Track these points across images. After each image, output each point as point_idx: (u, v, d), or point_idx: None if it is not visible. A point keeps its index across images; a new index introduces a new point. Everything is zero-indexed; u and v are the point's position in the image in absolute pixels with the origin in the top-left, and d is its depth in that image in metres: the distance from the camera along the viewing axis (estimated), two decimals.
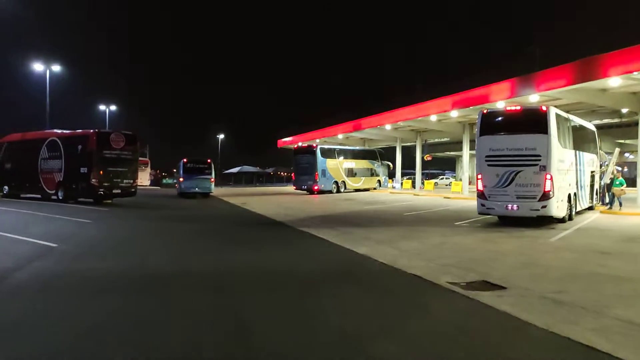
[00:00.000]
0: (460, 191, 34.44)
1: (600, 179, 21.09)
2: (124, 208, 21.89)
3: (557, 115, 14.67)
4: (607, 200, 20.94)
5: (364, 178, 40.78)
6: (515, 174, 14.46)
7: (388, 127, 37.77)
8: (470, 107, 26.49)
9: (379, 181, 42.92)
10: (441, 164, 77.54)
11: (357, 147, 45.51)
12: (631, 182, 27.91)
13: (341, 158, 38.68)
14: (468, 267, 8.53)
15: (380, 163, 43.41)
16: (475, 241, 11.77)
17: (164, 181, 67.61)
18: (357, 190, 39.85)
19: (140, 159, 53.23)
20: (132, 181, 23.16)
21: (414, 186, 43.81)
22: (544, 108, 14.37)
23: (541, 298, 6.50)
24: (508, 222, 15.52)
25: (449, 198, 29.99)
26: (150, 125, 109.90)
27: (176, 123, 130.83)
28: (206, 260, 9.36)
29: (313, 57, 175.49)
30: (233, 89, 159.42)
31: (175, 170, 49.42)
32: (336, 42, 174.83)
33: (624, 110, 27.26)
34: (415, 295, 7.04)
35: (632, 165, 47.88)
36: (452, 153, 61.99)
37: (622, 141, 38.20)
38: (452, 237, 12.58)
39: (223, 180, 72.17)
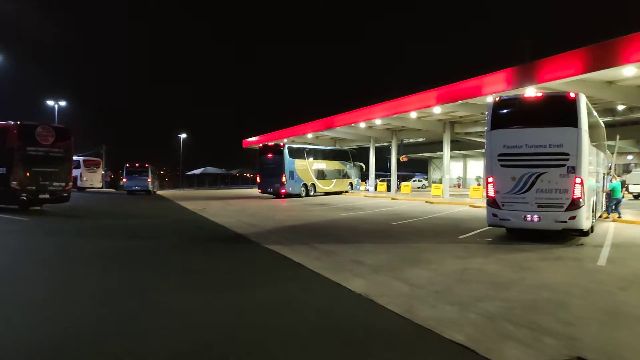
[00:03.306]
0: (441, 195, 31.75)
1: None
2: (51, 217, 18.11)
3: (587, 105, 11.92)
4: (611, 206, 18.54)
5: (335, 180, 37.76)
6: (537, 177, 11.60)
7: (362, 125, 34.81)
8: (458, 102, 23.78)
9: (351, 184, 40.01)
10: (411, 166, 75.22)
11: (328, 147, 42.42)
12: None
13: (311, 159, 35.54)
14: (530, 322, 5.47)
15: (352, 164, 40.50)
16: (505, 267, 8.75)
17: (121, 183, 63.11)
18: (327, 193, 36.79)
19: (91, 159, 49.50)
20: (64, 184, 19.30)
21: (389, 189, 41.00)
22: (572, 95, 11.54)
23: None
24: (520, 235, 12.71)
25: (432, 203, 27.16)
26: (110, 126, 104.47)
27: (138, 123, 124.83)
28: (107, 323, 5.54)
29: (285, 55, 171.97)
30: (196, 89, 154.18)
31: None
32: (307, 41, 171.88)
33: (620, 107, 25.09)
34: None
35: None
36: (425, 154, 59.69)
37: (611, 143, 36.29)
38: (469, 260, 9.54)
39: (185, 182, 68.13)
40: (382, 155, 57.48)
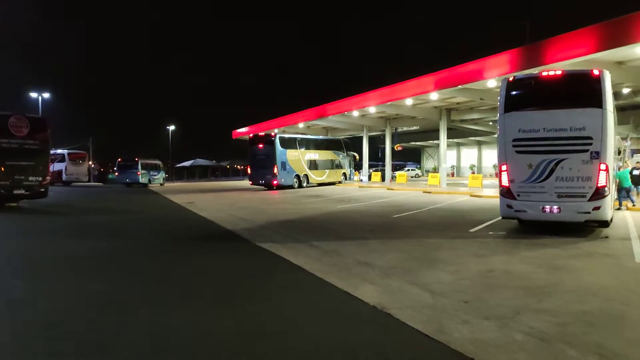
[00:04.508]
0: (438, 184, 30.71)
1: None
2: (25, 214, 16.82)
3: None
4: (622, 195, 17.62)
5: (328, 171, 36.61)
6: (556, 164, 10.53)
7: (356, 113, 33.65)
8: (458, 87, 22.65)
9: (344, 174, 38.88)
10: (404, 155, 74.14)
11: (321, 137, 41.19)
12: None
13: (303, 149, 34.32)
14: (596, 345, 4.38)
15: (345, 154, 39.35)
16: (535, 267, 7.66)
17: (110, 176, 61.46)
18: (320, 184, 35.66)
19: (76, 152, 47.84)
20: (40, 179, 17.94)
21: (383, 179, 39.92)
22: (596, 72, 10.44)
23: None
24: (535, 227, 11.67)
25: (430, 193, 26.11)
26: (99, 118, 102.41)
27: (127, 115, 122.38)
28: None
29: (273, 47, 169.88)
30: (187, 77, 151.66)
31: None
32: (295, 32, 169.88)
33: (625, 91, 24.10)
34: None
35: None
36: (419, 143, 58.69)
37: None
38: (491, 259, 8.45)
39: (176, 174, 66.63)
40: (375, 145, 56.44)
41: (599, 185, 10.24)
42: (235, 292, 6.60)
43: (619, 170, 17.07)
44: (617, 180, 16.74)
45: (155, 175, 43.42)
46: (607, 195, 10.34)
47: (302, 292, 6.63)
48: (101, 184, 50.87)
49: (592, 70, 10.54)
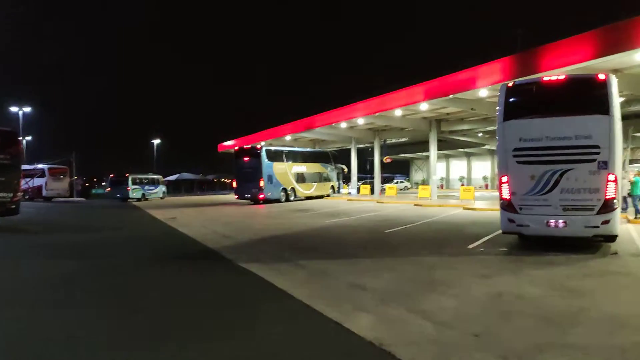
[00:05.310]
0: (428, 196, 30.01)
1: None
2: None
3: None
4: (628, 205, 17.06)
5: (316, 184, 35.77)
6: (561, 175, 9.81)
7: (344, 125, 32.91)
8: (449, 96, 22.03)
9: (332, 187, 38.07)
10: (392, 167, 73.49)
11: (308, 149, 40.41)
12: None
13: (290, 161, 33.47)
14: None
15: (334, 166, 38.60)
16: (547, 290, 6.85)
17: (94, 191, 59.94)
18: (308, 198, 34.79)
19: (57, 167, 46.46)
20: (11, 195, 16.84)
21: (372, 192, 39.16)
22: (601, 76, 9.78)
23: None
24: (537, 242, 10.91)
25: (421, 205, 25.36)
26: (79, 131, 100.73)
27: (112, 129, 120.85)
28: None
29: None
30: (173, 92, 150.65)
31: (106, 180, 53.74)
32: (284, 40, 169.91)
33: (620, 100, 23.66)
34: None
35: None
36: (407, 155, 58.11)
37: None
38: (496, 280, 7.64)
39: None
40: (363, 157, 55.74)
41: (607, 197, 9.52)
42: (210, 326, 5.70)
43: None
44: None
45: (151, 190, 42.50)
46: (616, 208, 9.62)
47: (285, 324, 5.74)
48: (84, 199, 49.48)
49: (597, 75, 9.88)
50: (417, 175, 65.00)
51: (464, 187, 32.38)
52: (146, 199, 41.07)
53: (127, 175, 40.50)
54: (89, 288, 7.81)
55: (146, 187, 41.90)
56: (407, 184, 58.58)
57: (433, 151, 30.66)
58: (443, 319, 5.54)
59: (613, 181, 9.50)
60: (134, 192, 40.19)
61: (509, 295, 6.57)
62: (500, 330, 5.18)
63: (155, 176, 45.11)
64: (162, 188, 44.58)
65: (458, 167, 58.93)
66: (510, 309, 5.93)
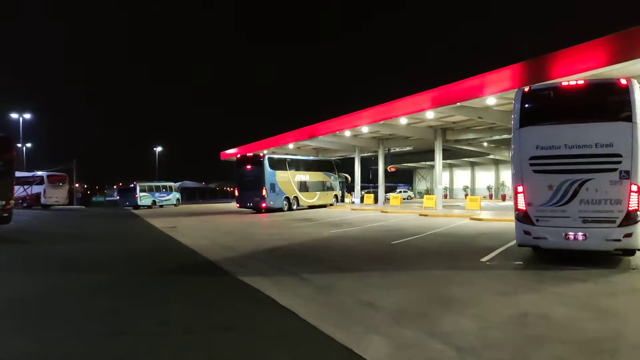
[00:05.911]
0: (433, 206, 29.43)
1: None
2: None
3: None
4: None
5: (319, 193, 35.25)
6: (580, 185, 9.26)
7: (348, 133, 32.42)
8: (456, 104, 21.53)
9: (336, 196, 37.55)
10: (395, 177, 72.98)
11: (311, 158, 39.92)
12: None
13: (293, 170, 32.99)
14: None
15: (337, 175, 38.08)
16: (575, 310, 6.29)
17: (95, 199, 59.42)
18: (311, 207, 34.28)
19: (56, 174, 46.00)
20: (3, 203, 16.35)
21: (376, 201, 38.59)
22: (623, 81, 9.27)
23: None
24: (554, 255, 10.29)
25: (426, 216, 24.79)
26: (81, 138, 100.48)
27: (115, 137, 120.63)
28: None
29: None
30: (178, 100, 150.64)
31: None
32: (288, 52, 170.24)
33: None
34: None
35: None
36: (411, 164, 57.62)
37: None
38: (518, 298, 7.08)
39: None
40: (366, 166, 55.26)
41: (630, 208, 8.96)
42: (204, 354, 5.15)
43: None
44: None
45: (164, 197, 42.96)
46: (639, 221, 9.06)
47: (288, 349, 5.18)
48: (84, 207, 48.99)
49: (619, 80, 9.36)
50: (420, 185, 64.47)
51: (470, 197, 31.78)
52: (161, 206, 41.60)
53: (134, 183, 40.63)
54: (66, 310, 7.18)
55: (157, 195, 41.97)
56: (410, 193, 57.98)
57: (438, 160, 30.13)
58: (466, 344, 4.99)
59: (636, 192, 8.95)
60: (143, 199, 40.20)
61: (535, 317, 6.00)
62: (531, 358, 4.62)
63: (167, 183, 45.69)
64: (176, 195, 45.22)
65: (462, 176, 58.40)
66: (538, 333, 5.37)
